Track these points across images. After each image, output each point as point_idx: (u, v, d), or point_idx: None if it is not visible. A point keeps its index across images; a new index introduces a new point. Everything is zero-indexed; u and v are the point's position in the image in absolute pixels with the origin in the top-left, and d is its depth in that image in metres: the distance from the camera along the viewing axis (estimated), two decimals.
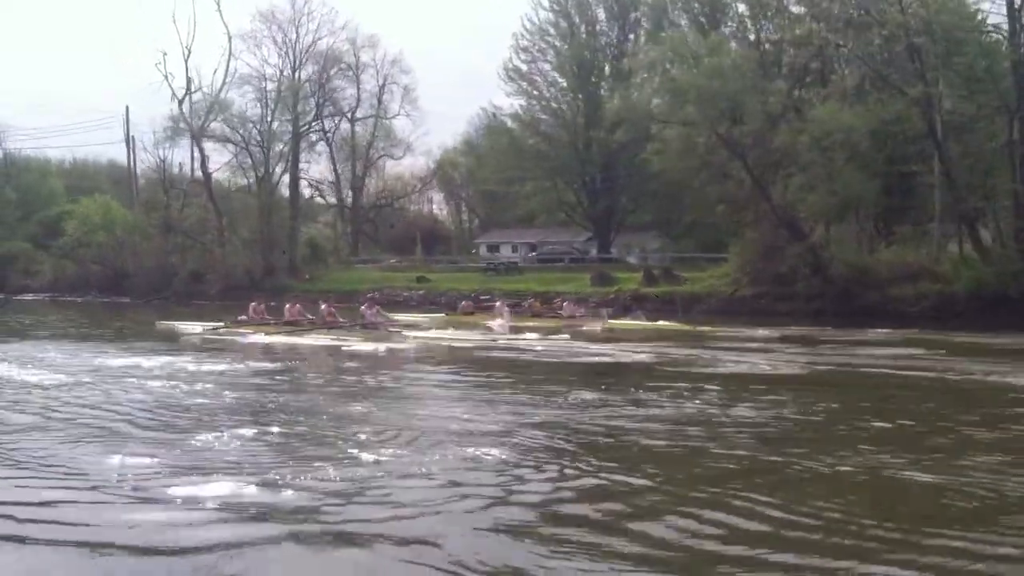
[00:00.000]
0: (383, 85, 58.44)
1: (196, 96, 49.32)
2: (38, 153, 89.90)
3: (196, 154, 49.38)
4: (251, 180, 48.98)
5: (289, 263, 47.63)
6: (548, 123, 58.76)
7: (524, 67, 58.81)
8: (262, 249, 47.03)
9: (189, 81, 49.36)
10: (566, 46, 56.93)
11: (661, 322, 25.75)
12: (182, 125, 48.32)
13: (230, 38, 50.01)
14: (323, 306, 22.32)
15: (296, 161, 48.53)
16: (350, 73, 53.69)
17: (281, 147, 48.48)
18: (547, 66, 58.74)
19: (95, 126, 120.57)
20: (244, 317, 22.64)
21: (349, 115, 54.80)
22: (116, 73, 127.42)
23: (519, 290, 42.04)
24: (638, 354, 17.87)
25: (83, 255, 52.66)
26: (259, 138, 47.55)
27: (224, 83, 48.16)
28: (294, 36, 49.80)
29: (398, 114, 59.02)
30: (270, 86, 48.76)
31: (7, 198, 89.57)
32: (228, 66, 48.74)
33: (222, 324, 22.40)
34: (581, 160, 57.10)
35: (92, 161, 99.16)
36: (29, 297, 53.14)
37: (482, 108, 62.20)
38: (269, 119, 48.48)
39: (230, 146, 48.80)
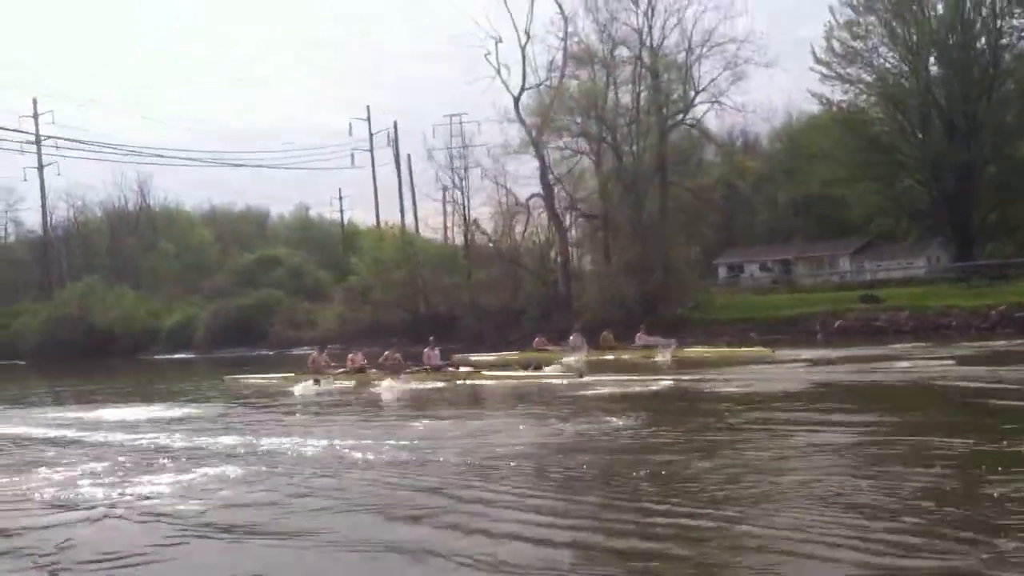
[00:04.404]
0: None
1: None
2: (176, 203, 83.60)
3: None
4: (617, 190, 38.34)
5: (667, 289, 37.18)
6: (886, 110, 48.32)
7: (845, 46, 48.68)
8: (638, 274, 36.68)
9: (525, 73, 39.50)
10: (904, 18, 46.78)
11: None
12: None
13: (565, 18, 39.91)
14: (387, 352, 22.28)
15: (665, 163, 37.95)
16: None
17: (648, 143, 37.74)
18: (875, 40, 48.59)
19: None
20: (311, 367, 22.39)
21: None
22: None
23: None
24: None
25: (375, 297, 43.00)
26: (628, 134, 37.39)
27: (563, 72, 38.32)
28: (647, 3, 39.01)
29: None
30: (624, 71, 38.38)
31: (165, 251, 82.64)
32: (565, 50, 38.76)
33: (292, 374, 21.98)
34: (942, 152, 46.43)
35: (226, 207, 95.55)
36: (305, 351, 43.63)
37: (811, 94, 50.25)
38: (619, 109, 38.18)
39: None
